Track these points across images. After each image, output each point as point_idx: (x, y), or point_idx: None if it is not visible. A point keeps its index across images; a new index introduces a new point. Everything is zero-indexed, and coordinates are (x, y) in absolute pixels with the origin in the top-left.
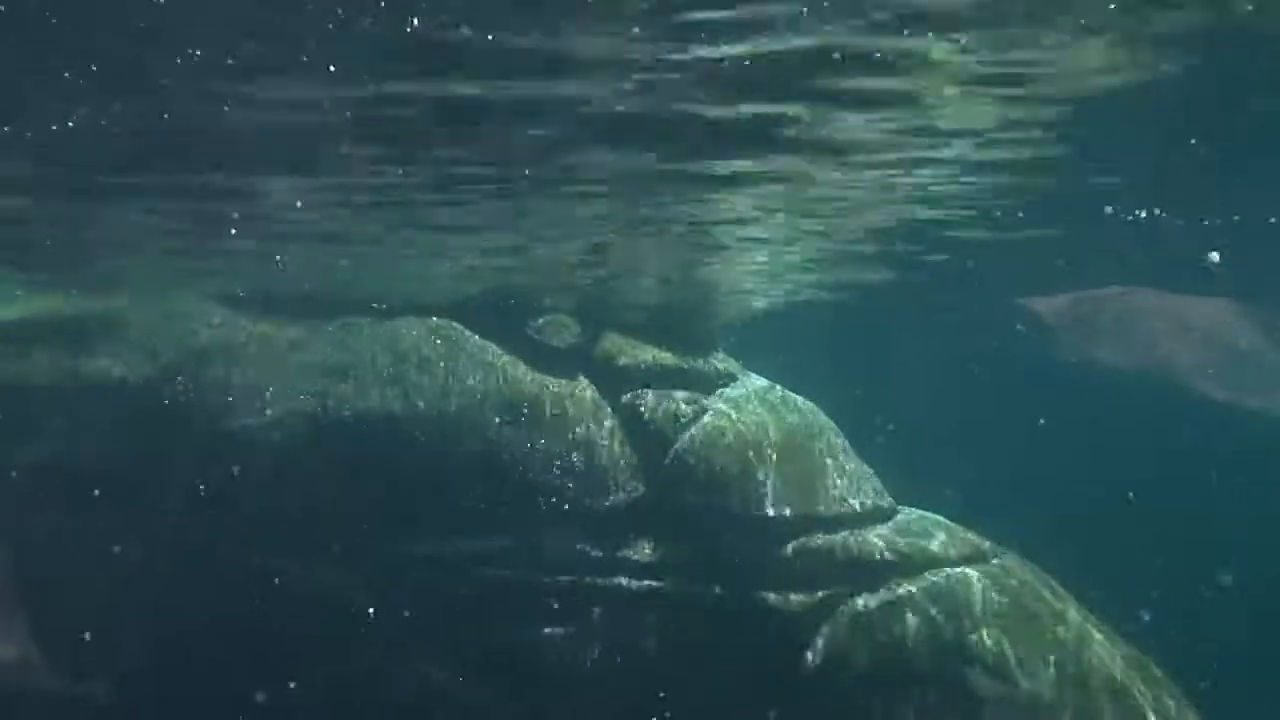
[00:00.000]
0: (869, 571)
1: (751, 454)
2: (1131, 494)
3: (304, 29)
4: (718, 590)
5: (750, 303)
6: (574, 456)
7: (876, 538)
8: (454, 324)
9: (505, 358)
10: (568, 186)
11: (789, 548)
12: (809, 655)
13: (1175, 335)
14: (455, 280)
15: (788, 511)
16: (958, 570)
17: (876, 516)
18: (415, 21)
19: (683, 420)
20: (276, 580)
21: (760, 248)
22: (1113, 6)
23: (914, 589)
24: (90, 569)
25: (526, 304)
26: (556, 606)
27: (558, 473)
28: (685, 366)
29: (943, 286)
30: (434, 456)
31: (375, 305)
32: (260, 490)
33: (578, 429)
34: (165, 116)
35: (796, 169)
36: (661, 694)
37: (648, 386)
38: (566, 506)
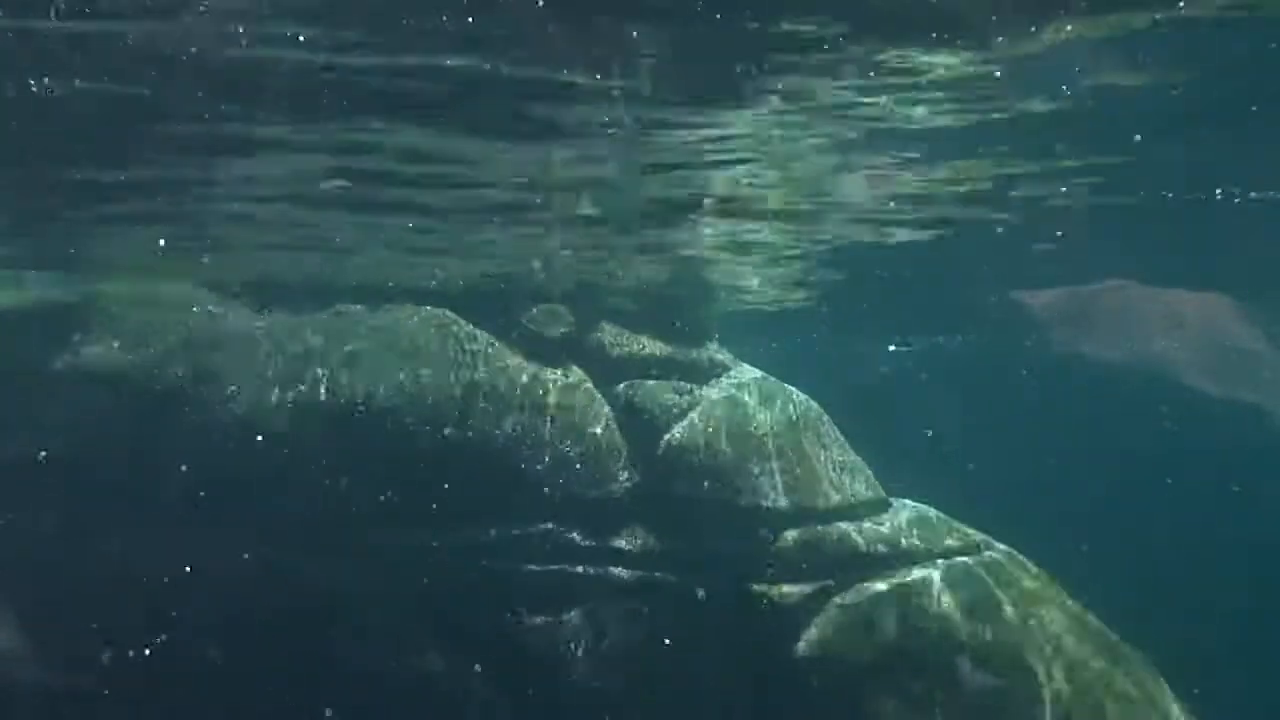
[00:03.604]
0: (862, 563)
1: (745, 445)
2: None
3: None
4: (710, 581)
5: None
6: (567, 446)
7: (869, 530)
8: (448, 313)
9: (499, 347)
10: None
11: (782, 539)
12: (801, 646)
13: (1169, 330)
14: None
15: (781, 503)
16: (951, 562)
17: (870, 509)
18: None
19: (676, 411)
20: (271, 571)
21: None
22: None
23: (908, 581)
24: (86, 562)
25: (521, 293)
26: (549, 596)
27: (551, 463)
28: (679, 357)
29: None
30: (427, 446)
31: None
32: (252, 481)
33: (571, 419)
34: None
35: None
36: (653, 684)
37: (642, 377)
38: (560, 496)
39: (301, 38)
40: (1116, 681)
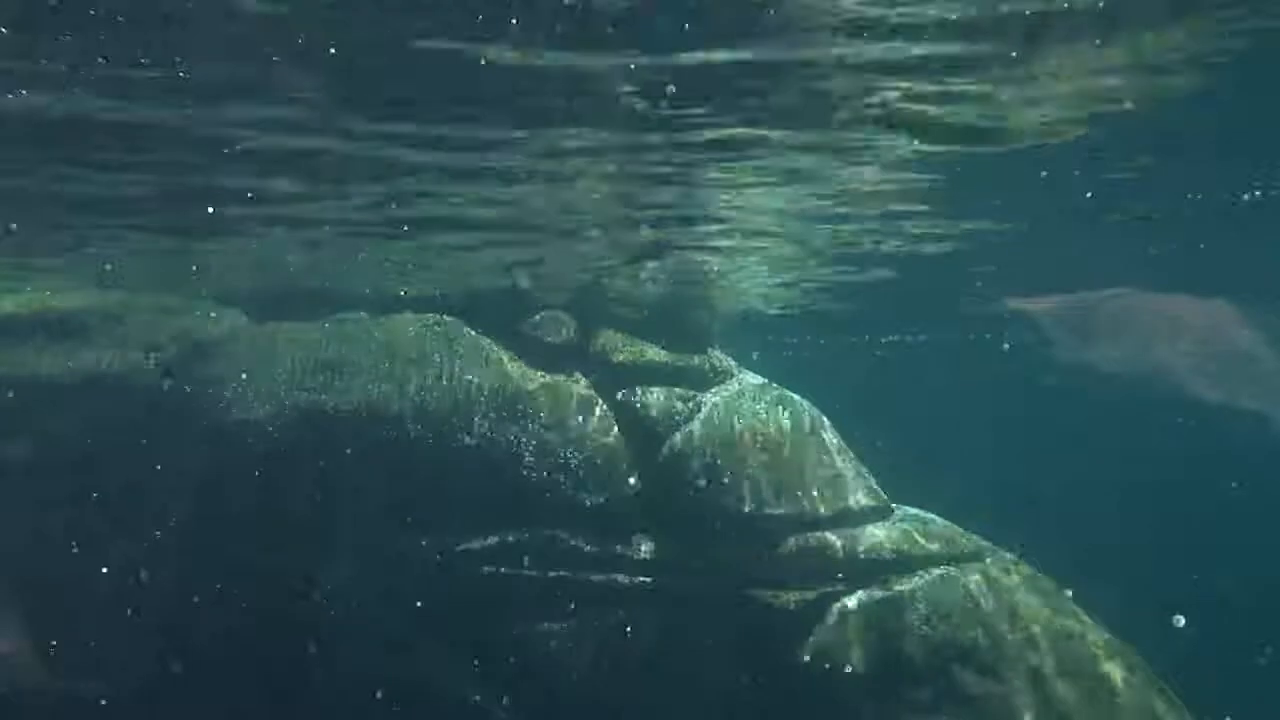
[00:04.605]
0: (863, 569)
1: (746, 451)
2: None
3: None
4: (712, 587)
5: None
6: (569, 453)
7: (871, 536)
8: (451, 320)
9: (502, 354)
10: None
11: (784, 545)
12: (802, 653)
13: (1171, 337)
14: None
15: (782, 509)
16: (952, 569)
17: (872, 515)
18: None
19: (678, 417)
20: (273, 574)
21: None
22: None
23: (908, 587)
24: (88, 565)
25: (524, 300)
26: (551, 602)
27: (553, 469)
28: (681, 363)
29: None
30: (430, 452)
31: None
32: (256, 486)
33: (573, 425)
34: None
35: None
36: (654, 689)
37: (644, 384)
38: (562, 503)
39: None
40: (1118, 687)
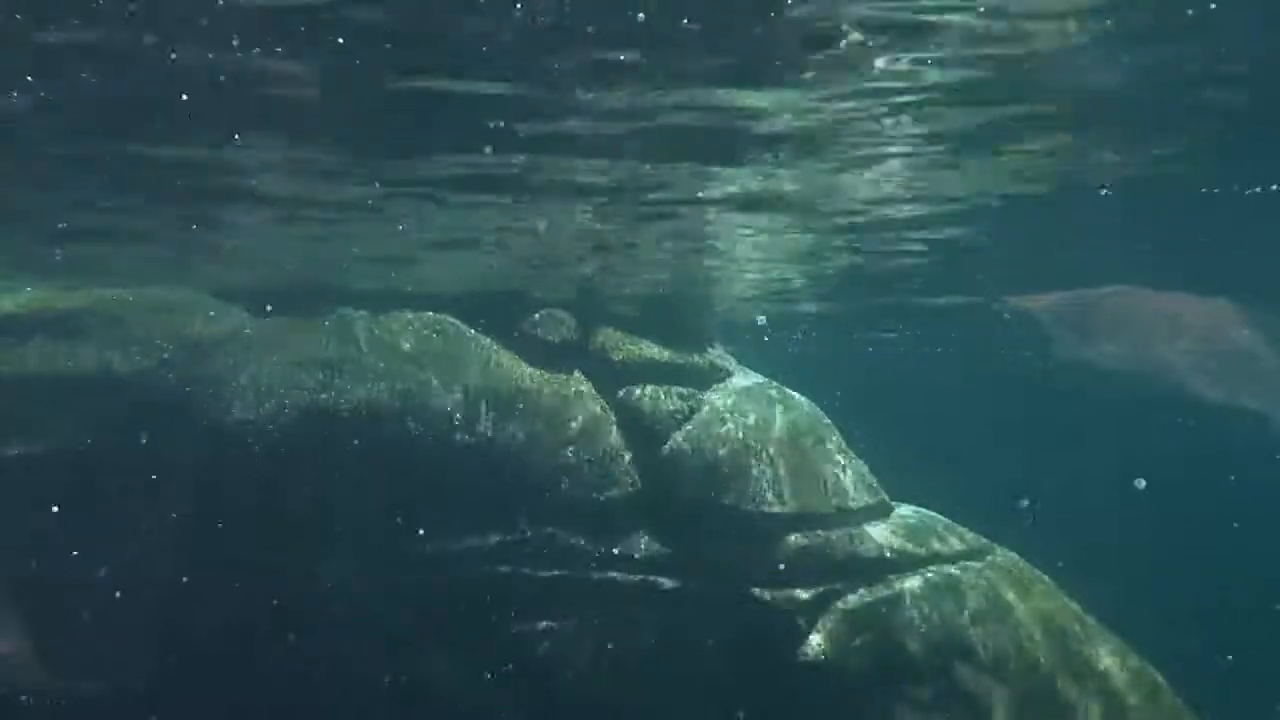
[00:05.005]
0: (865, 568)
1: (747, 450)
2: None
3: None
4: (713, 586)
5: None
6: (569, 451)
7: (872, 534)
8: (450, 319)
9: (502, 352)
10: None
11: (784, 543)
12: (804, 651)
13: (1171, 335)
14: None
15: (783, 507)
16: (953, 567)
17: (873, 513)
18: None
19: (678, 416)
20: (273, 574)
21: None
22: None
23: (909, 585)
24: (87, 565)
25: (523, 299)
26: (552, 601)
27: (553, 467)
28: (681, 362)
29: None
30: (430, 451)
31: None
32: (256, 485)
33: (573, 424)
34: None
35: None
36: (654, 688)
37: (644, 382)
38: (562, 501)
39: None
40: (1118, 685)
